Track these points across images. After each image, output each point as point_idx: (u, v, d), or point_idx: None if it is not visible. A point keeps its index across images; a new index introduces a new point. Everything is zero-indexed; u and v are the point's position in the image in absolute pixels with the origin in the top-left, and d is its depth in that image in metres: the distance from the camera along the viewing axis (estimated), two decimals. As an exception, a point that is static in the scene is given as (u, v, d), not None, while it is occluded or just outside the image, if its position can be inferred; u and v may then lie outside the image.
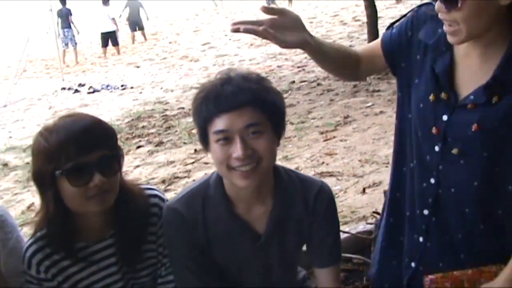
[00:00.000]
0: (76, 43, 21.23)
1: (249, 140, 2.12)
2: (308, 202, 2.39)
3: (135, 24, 24.04)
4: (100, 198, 2.19)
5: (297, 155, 7.27)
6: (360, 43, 14.68)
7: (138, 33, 24.15)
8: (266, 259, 2.42)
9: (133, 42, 23.82)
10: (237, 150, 2.10)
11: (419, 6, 2.26)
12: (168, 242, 2.41)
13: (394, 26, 2.34)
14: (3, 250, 2.35)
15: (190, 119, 9.76)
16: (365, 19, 12.62)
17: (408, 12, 2.32)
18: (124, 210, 2.31)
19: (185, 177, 7.06)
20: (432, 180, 2.19)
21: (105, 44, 21.55)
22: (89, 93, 14.76)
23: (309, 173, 6.32)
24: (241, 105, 2.11)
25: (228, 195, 2.32)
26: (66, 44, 20.93)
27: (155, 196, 2.45)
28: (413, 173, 2.29)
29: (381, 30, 12.37)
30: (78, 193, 2.16)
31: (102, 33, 21.50)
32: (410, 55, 2.26)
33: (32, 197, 7.30)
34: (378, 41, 2.40)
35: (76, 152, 2.12)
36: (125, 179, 2.39)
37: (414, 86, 2.24)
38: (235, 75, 2.19)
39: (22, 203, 7.30)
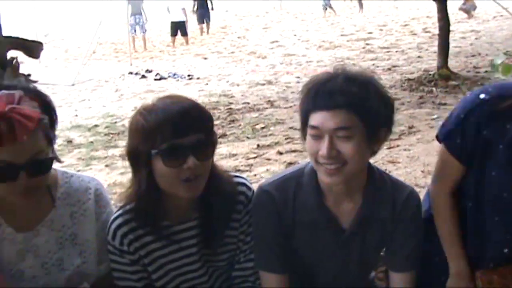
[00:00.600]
0: (145, 30, 21.50)
1: (337, 142, 2.14)
2: (396, 205, 2.38)
3: (203, 17, 24.21)
4: (192, 185, 2.20)
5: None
6: (429, 55, 14.52)
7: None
8: (345, 255, 2.42)
9: (201, 34, 23.96)
10: (323, 148, 2.13)
11: (476, 106, 2.33)
12: (256, 223, 2.43)
13: (453, 135, 2.42)
14: (96, 223, 2.39)
15: (254, 114, 9.81)
16: (435, 31, 12.43)
17: (459, 112, 2.41)
18: (212, 195, 2.33)
19: (246, 170, 7.05)
20: None
21: (174, 33, 21.78)
22: (155, 79, 14.89)
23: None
24: (336, 106, 2.12)
25: (320, 186, 2.33)
26: (135, 31, 21.20)
27: (243, 184, 2.47)
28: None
29: (452, 44, 12.24)
30: (171, 174, 2.18)
31: (172, 22, 21.77)
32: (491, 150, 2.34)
33: (94, 175, 7.33)
34: (452, 168, 2.48)
35: (173, 133, 2.14)
36: (216, 165, 2.40)
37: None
38: (342, 74, 2.19)
39: (84, 180, 7.28)
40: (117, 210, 2.36)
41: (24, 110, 2.05)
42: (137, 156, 2.21)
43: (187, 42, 21.81)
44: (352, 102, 2.12)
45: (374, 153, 2.28)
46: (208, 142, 2.23)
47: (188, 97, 2.32)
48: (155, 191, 2.24)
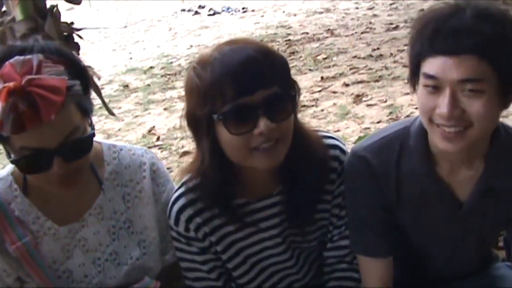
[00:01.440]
0: None
1: (463, 98, 1.66)
2: None
3: None
4: (269, 153, 1.78)
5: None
6: None
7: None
8: (463, 232, 1.97)
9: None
10: (443, 105, 1.65)
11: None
12: (350, 197, 1.99)
13: None
14: (156, 206, 2.02)
15: (315, 45, 9.43)
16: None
17: None
18: (298, 163, 1.89)
19: (312, 106, 6.65)
20: None
21: None
22: (209, 15, 14.49)
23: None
24: (463, 51, 1.62)
25: (431, 150, 1.86)
26: None
27: (336, 147, 2.01)
28: None
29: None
30: (239, 142, 1.77)
31: None
32: None
33: (153, 120, 7.15)
34: None
35: (236, 91, 1.71)
36: (301, 123, 1.95)
37: None
38: (471, 6, 1.67)
39: (143, 126, 7.14)
40: (178, 188, 1.97)
41: (47, 80, 1.64)
42: (196, 123, 1.82)
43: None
44: (485, 46, 1.60)
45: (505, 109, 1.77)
46: (285, 96, 1.79)
47: (254, 41, 1.88)
48: (223, 163, 1.84)
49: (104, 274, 1.96)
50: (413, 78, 1.76)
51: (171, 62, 10.26)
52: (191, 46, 11.35)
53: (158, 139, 6.53)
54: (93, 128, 1.83)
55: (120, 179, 1.99)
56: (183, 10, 15.54)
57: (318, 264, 2.14)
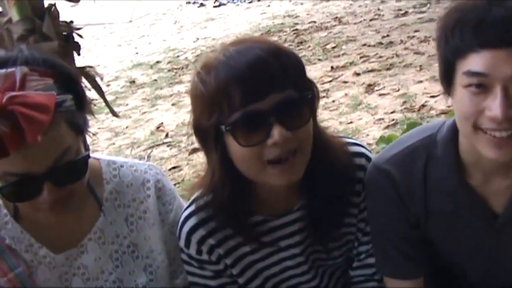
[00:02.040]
0: None
1: None
2: None
3: None
4: (285, 166, 1.60)
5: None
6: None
7: None
8: (499, 246, 1.77)
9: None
10: (495, 106, 1.45)
11: None
12: (372, 212, 1.82)
13: None
14: (162, 227, 1.85)
15: (323, 34, 9.32)
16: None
17: None
18: (320, 174, 1.71)
19: (323, 97, 6.48)
20: None
21: None
22: (214, 6, 14.45)
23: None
24: None
25: (462, 159, 1.68)
26: None
27: (361, 155, 1.83)
28: None
29: None
30: (251, 155, 1.59)
31: None
32: None
33: (161, 116, 7.05)
34: None
35: (244, 96, 1.53)
36: (322, 128, 1.77)
37: None
38: None
39: (151, 122, 7.03)
40: (188, 205, 1.80)
41: (32, 97, 1.45)
42: (203, 134, 1.66)
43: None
44: None
45: None
46: (301, 100, 1.60)
47: (263, 39, 1.71)
48: (236, 178, 1.66)
49: None
50: (447, 79, 1.56)
51: (178, 56, 10.16)
52: (198, 39, 11.26)
53: (166, 136, 6.42)
54: (87, 149, 1.66)
55: (122, 199, 1.81)
56: (188, 2, 15.50)
57: (344, 282, 1.99)
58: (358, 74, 7.07)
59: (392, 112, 5.61)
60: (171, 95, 7.94)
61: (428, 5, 9.92)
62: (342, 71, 7.28)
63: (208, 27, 12.30)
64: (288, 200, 1.78)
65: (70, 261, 1.75)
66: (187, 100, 7.40)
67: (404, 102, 5.78)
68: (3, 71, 1.48)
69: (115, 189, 1.81)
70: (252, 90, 1.54)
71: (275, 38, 9.72)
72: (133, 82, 8.99)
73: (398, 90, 6.18)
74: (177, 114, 7.07)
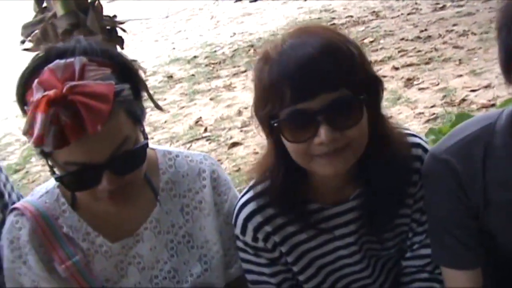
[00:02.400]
0: None
1: None
2: None
3: None
4: (332, 158, 1.57)
5: (486, 69, 6.44)
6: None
7: None
8: None
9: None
10: None
11: None
12: (431, 202, 1.79)
13: None
14: (217, 217, 1.85)
15: (360, 28, 9.32)
16: None
17: None
18: (378, 164, 1.68)
19: (362, 91, 6.50)
20: None
21: None
22: (251, 1, 14.43)
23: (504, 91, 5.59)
24: None
25: None
26: None
27: (418, 145, 1.80)
28: None
29: None
30: (297, 149, 1.59)
31: None
32: None
33: (199, 111, 7.09)
34: None
35: (294, 96, 1.52)
36: (383, 120, 1.73)
37: None
38: None
39: (190, 117, 7.07)
40: (245, 193, 1.80)
41: (92, 86, 1.46)
42: (259, 119, 1.65)
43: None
44: None
45: None
46: (353, 100, 1.56)
47: (323, 31, 1.62)
48: (290, 165, 1.66)
49: None
50: (509, 68, 1.51)
51: (215, 51, 10.19)
52: (234, 33, 11.28)
53: (205, 130, 6.45)
54: (146, 138, 1.66)
55: (178, 189, 1.82)
56: (225, -3, 15.55)
57: (395, 273, 1.97)
58: (396, 69, 7.03)
59: (432, 106, 5.57)
60: (209, 90, 7.97)
61: (467, -2, 9.85)
62: (381, 66, 7.23)
63: (245, 22, 12.31)
64: (344, 189, 1.77)
65: (125, 250, 1.77)
66: (225, 95, 7.51)
67: (444, 96, 5.73)
68: (62, 61, 1.49)
69: (171, 179, 1.82)
70: (301, 89, 1.52)
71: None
72: (170, 77, 9.05)
73: (438, 84, 6.13)
74: (216, 109, 7.10)
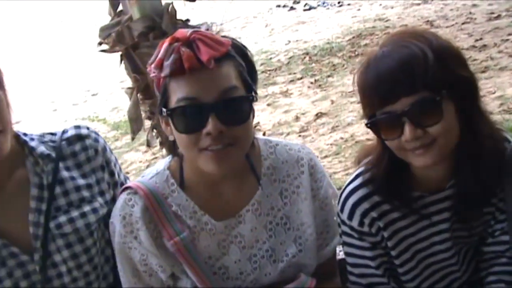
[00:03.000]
0: None
1: None
2: None
3: None
4: (423, 153, 1.74)
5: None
6: None
7: None
8: None
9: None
10: None
11: None
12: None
13: None
14: (313, 202, 1.99)
15: (415, 37, 9.28)
16: None
17: None
18: (473, 156, 1.82)
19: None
20: None
21: None
22: (305, 10, 14.57)
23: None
24: None
25: None
26: None
27: (508, 141, 1.93)
28: None
29: None
30: (393, 145, 1.77)
31: None
32: None
33: (257, 116, 7.12)
34: None
35: (378, 101, 1.72)
36: (479, 113, 1.84)
37: None
38: None
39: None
40: (352, 180, 1.96)
41: (212, 34, 1.68)
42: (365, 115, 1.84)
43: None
44: None
45: None
46: (431, 101, 1.71)
47: (416, 39, 1.75)
48: (392, 155, 1.82)
49: (259, 271, 1.92)
50: None
51: (271, 58, 10.39)
52: (289, 41, 11.45)
53: (263, 134, 6.59)
54: (253, 115, 1.81)
55: (278, 174, 1.95)
56: (278, 6, 15.67)
57: (475, 260, 2.09)
58: (452, 78, 7.11)
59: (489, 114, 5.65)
60: (265, 96, 8.13)
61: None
62: None
63: (299, 30, 12.47)
64: (441, 178, 1.90)
65: (228, 230, 1.89)
66: (282, 101, 7.69)
67: (501, 104, 5.82)
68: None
69: (272, 165, 1.95)
70: (384, 96, 1.71)
71: (367, 41, 9.85)
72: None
73: (494, 92, 6.22)
74: (273, 114, 7.27)
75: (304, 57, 9.84)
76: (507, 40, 8.05)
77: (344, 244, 2.00)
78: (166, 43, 1.69)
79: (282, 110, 7.31)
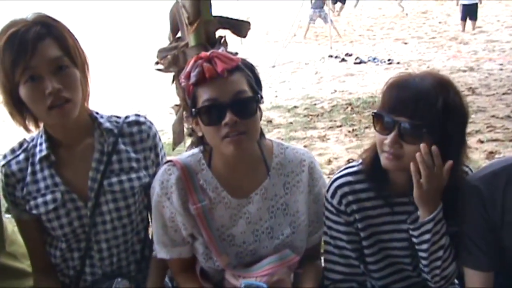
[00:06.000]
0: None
1: None
2: None
3: None
4: (395, 163, 2.20)
5: None
6: None
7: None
8: None
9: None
10: None
11: None
12: (463, 217, 2.30)
13: None
14: (309, 196, 2.46)
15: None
16: None
17: None
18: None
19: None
20: None
21: (464, 18, 19.56)
22: (355, 63, 14.95)
23: None
24: None
25: None
26: (314, 20, 20.34)
27: (467, 173, 2.35)
28: None
29: None
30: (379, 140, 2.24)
31: (463, 5, 19.62)
32: None
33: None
34: None
35: (390, 105, 2.17)
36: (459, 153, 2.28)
37: None
38: None
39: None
40: (341, 170, 2.43)
41: (225, 53, 2.22)
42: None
43: (473, 28, 19.48)
44: None
45: None
46: (417, 128, 2.13)
47: (420, 79, 2.20)
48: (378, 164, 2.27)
49: (259, 243, 2.39)
50: None
51: (315, 104, 10.73)
52: (335, 91, 11.79)
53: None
54: (261, 111, 2.32)
55: (284, 170, 2.42)
56: (331, 56, 16.21)
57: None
58: (481, 142, 7.46)
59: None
60: (304, 138, 8.51)
61: None
62: (468, 138, 7.54)
63: (347, 81, 12.81)
64: (407, 186, 2.27)
65: (240, 207, 2.38)
66: (319, 145, 8.06)
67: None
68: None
69: (280, 162, 2.44)
70: (392, 109, 2.15)
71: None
72: (270, 121, 9.57)
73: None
74: (309, 155, 7.55)
75: (347, 107, 10.18)
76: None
77: (326, 218, 2.44)
78: (192, 60, 2.24)
79: (317, 153, 7.61)
